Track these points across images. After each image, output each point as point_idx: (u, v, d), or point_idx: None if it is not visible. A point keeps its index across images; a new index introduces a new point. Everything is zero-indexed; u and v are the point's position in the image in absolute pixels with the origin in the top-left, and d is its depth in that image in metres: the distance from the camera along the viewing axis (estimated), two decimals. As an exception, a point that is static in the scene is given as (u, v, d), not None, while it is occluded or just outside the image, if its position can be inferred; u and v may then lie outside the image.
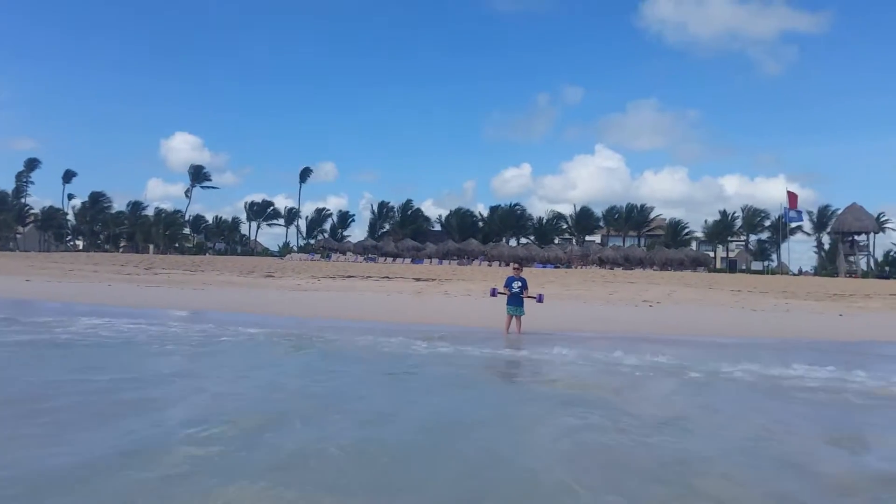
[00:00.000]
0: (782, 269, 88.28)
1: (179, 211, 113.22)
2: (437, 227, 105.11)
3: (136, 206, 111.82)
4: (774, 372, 10.05)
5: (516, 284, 15.33)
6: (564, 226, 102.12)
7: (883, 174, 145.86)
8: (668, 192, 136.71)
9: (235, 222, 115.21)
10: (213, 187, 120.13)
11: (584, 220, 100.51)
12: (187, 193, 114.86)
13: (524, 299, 15.26)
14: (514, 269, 16.08)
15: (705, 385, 9.13)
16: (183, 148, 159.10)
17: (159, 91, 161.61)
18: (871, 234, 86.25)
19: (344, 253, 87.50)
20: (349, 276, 36.62)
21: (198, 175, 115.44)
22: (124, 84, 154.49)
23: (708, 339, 15.02)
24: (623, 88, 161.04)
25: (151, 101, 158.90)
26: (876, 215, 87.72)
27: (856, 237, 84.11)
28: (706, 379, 9.48)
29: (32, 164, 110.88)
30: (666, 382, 9.26)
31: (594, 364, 10.65)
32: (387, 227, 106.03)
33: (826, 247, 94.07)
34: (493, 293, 16.26)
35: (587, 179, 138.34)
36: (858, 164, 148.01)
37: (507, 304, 15.29)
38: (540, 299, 15.90)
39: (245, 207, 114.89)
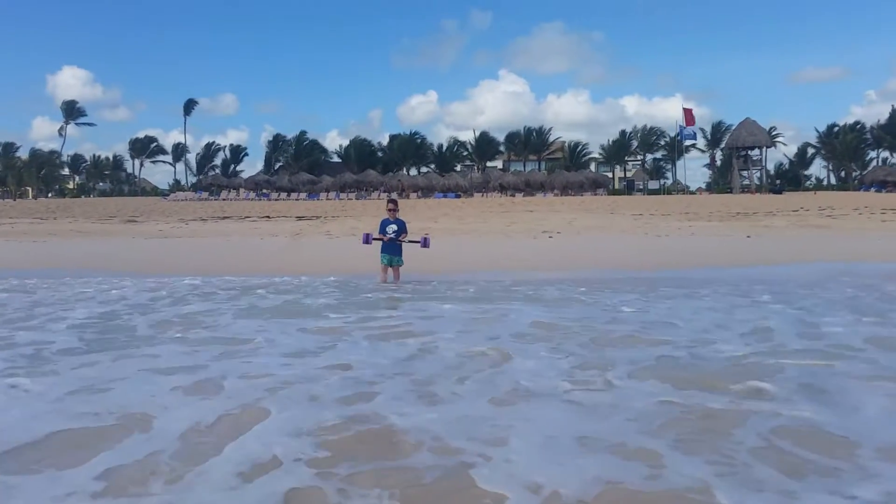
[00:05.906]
0: (678, 187, 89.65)
1: (55, 151, 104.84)
2: (337, 159, 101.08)
3: (8, 148, 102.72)
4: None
5: (391, 228, 12.73)
6: (465, 153, 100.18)
7: (775, 90, 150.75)
8: (571, 114, 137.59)
9: (117, 160, 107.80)
10: (89, 124, 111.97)
11: (485, 146, 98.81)
12: (61, 131, 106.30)
13: (402, 245, 12.83)
14: (389, 209, 13.12)
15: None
16: (72, 83, 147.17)
17: (42, 20, 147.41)
18: (764, 149, 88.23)
19: (235, 189, 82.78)
20: (224, 218, 33.38)
21: (71, 111, 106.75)
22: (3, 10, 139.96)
23: (613, 276, 13.17)
24: (530, 11, 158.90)
25: (34, 31, 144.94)
26: (768, 129, 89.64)
27: (749, 152, 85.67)
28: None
29: None
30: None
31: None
32: (282, 160, 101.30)
33: (718, 163, 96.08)
34: (367, 240, 13.00)
35: (493, 105, 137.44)
36: (752, 81, 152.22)
37: (382, 251, 12.63)
38: (425, 243, 13.23)
39: (129, 144, 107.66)
